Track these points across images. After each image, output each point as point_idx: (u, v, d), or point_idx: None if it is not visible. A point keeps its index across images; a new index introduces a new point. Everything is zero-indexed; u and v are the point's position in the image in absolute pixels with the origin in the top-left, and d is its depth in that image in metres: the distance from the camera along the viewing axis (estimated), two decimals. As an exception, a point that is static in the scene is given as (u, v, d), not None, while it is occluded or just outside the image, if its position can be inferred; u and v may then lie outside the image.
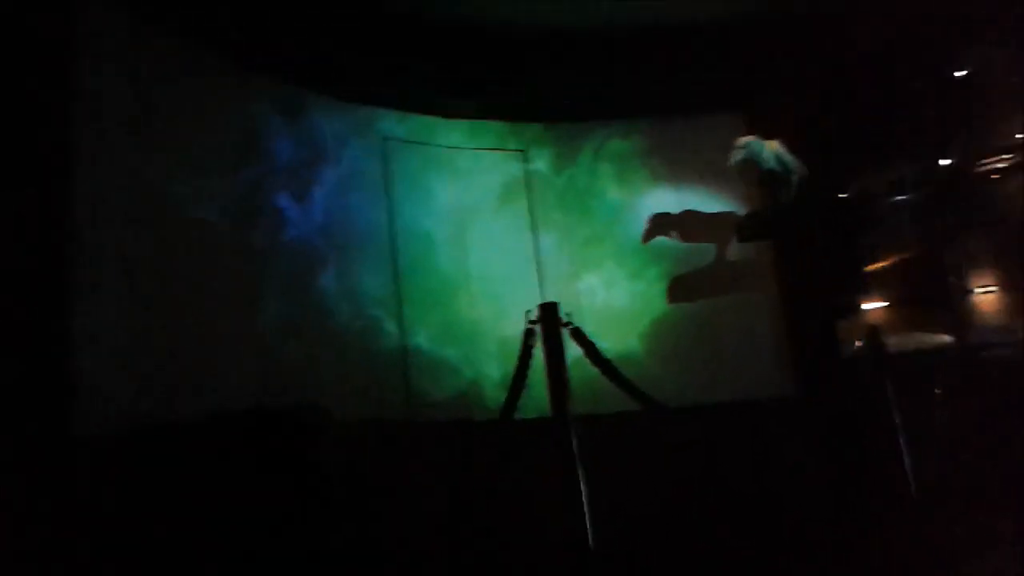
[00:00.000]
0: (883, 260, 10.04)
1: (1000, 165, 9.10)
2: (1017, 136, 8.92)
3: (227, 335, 7.31)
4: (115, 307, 6.35)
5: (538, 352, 4.74)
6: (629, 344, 9.81)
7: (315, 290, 8.38)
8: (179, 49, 7.50)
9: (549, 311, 4.61)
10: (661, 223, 10.24)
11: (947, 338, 9.02)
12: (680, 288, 10.11)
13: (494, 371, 9.10)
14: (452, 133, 9.92)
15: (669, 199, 10.40)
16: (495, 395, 8.87)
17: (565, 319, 4.67)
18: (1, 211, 5.54)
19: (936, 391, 6.56)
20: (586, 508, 4.25)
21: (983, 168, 9.26)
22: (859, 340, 6.21)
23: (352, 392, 8.18)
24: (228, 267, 7.54)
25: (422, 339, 9.11)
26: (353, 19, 8.57)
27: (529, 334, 4.69)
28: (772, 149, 9.50)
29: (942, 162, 9.53)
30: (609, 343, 8.95)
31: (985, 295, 9.18)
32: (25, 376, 5.38)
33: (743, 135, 9.62)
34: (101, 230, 6.32)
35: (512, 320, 4.88)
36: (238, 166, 7.90)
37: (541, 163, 10.28)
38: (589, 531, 4.21)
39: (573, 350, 4.91)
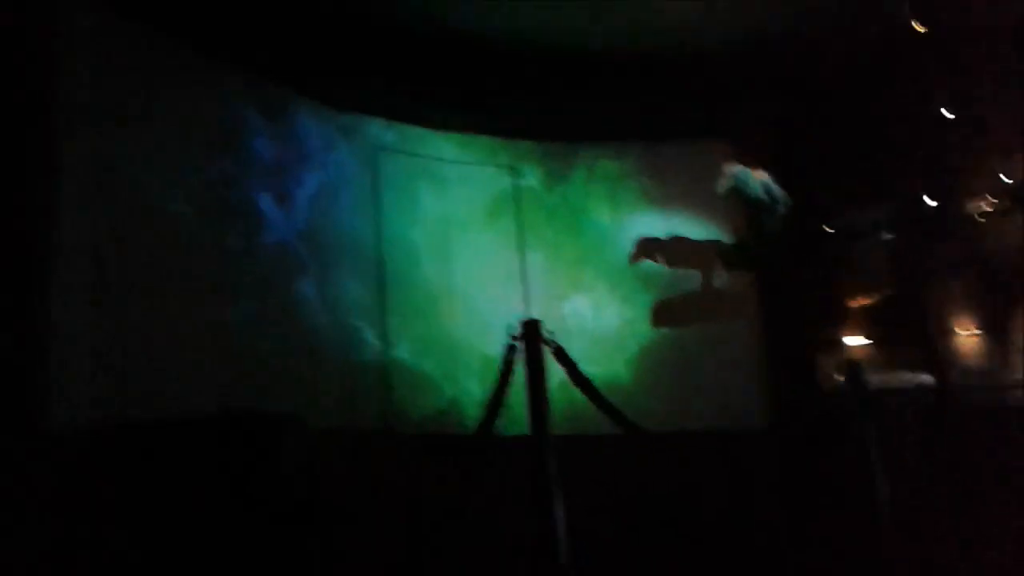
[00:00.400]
0: (866, 296, 10.06)
1: (986, 208, 9.14)
2: (1004, 180, 8.96)
3: (202, 336, 7.24)
4: (89, 305, 6.28)
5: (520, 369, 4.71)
6: (616, 370, 9.81)
7: (294, 295, 8.30)
8: (164, 48, 7.46)
9: (531, 328, 4.56)
10: (649, 247, 10.25)
11: (928, 378, 9.02)
12: (665, 312, 10.12)
13: (476, 388, 8.96)
14: (443, 145, 9.91)
15: (658, 223, 10.45)
16: (476, 413, 8.82)
17: (547, 336, 4.62)
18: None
19: (915, 430, 6.55)
20: (560, 527, 4.20)
21: (969, 210, 9.29)
22: (839, 374, 6.20)
23: (330, 402, 8.11)
24: (205, 267, 7.47)
25: (404, 352, 9.06)
26: (346, 27, 8.55)
27: (510, 350, 4.63)
28: (759, 179, 9.52)
29: (927, 202, 9.57)
30: (596, 368, 8.94)
31: (968, 338, 9.21)
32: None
33: (731, 163, 9.64)
34: (77, 227, 6.26)
35: (497, 337, 4.81)
36: (219, 166, 7.83)
37: (532, 179, 10.28)
38: (562, 550, 4.16)
39: (557, 373, 4.87)
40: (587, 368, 5.03)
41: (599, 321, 10.09)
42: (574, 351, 4.90)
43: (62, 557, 4.23)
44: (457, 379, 9.23)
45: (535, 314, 4.72)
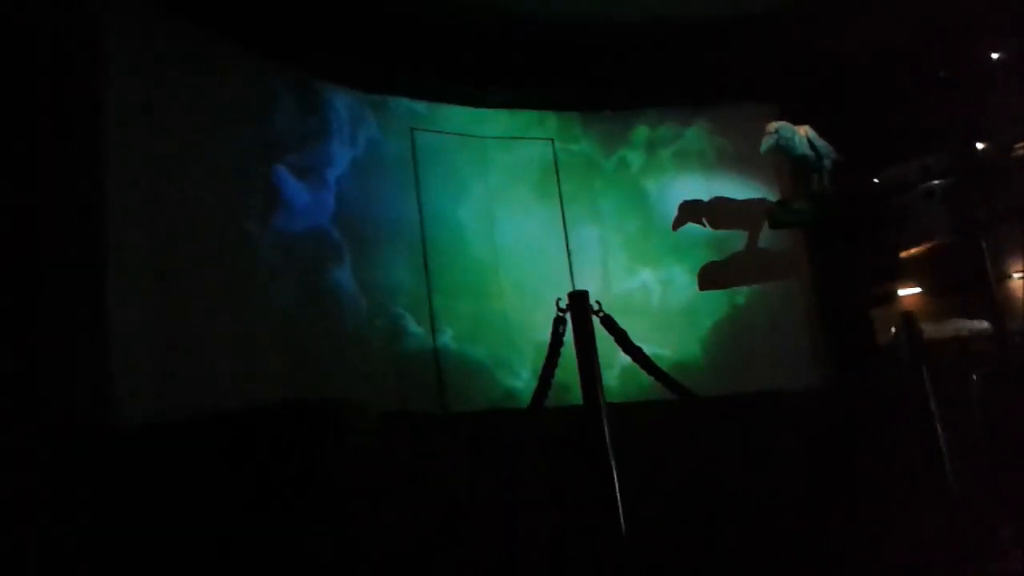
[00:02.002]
0: (917, 246, 9.91)
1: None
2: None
3: (251, 328, 7.35)
4: (145, 301, 6.40)
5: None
6: (689, 349, 9.70)
7: (335, 282, 8.31)
8: (200, 40, 7.57)
9: (579, 299, 4.57)
10: (691, 210, 10.16)
11: (985, 324, 8.87)
12: (710, 275, 10.04)
13: (531, 377, 8.67)
14: (483, 121, 9.86)
15: (717, 186, 10.34)
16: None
17: (595, 307, 4.62)
18: (36, 209, 5.58)
19: (974, 378, 6.45)
20: (619, 497, 4.21)
21: (1017, 153, 9.11)
22: (894, 327, 6.14)
23: (378, 398, 8.04)
24: (249, 258, 7.59)
25: (452, 340, 8.95)
26: (384, 9, 8.54)
27: (559, 322, 4.64)
28: (803, 134, 9.39)
29: (976, 147, 9.39)
30: (667, 351, 8.82)
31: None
32: (60, 370, 5.44)
33: (774, 121, 9.52)
34: (129, 224, 6.37)
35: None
36: (259, 157, 7.93)
37: (583, 148, 10.19)
38: (622, 519, 4.17)
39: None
40: (658, 352, 5.01)
41: (668, 297, 9.98)
42: (642, 331, 4.87)
43: (132, 553, 4.32)
44: (511, 366, 9.12)
45: (596, 293, 4.68)
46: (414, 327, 8.73)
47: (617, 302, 8.84)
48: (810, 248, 10.10)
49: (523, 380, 8.92)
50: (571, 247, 9.73)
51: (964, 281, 9.35)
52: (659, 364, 4.88)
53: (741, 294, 10.05)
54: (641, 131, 10.39)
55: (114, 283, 6.01)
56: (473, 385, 8.86)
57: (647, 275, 10.06)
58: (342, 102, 8.86)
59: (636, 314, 9.22)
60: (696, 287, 10.07)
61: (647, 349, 4.87)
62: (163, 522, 4.42)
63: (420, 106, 9.47)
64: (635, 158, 10.34)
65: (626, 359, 4.83)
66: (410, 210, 9.07)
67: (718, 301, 10.05)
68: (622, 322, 4.73)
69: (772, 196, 10.16)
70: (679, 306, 10.00)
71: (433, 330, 8.77)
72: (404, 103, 9.39)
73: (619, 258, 10.02)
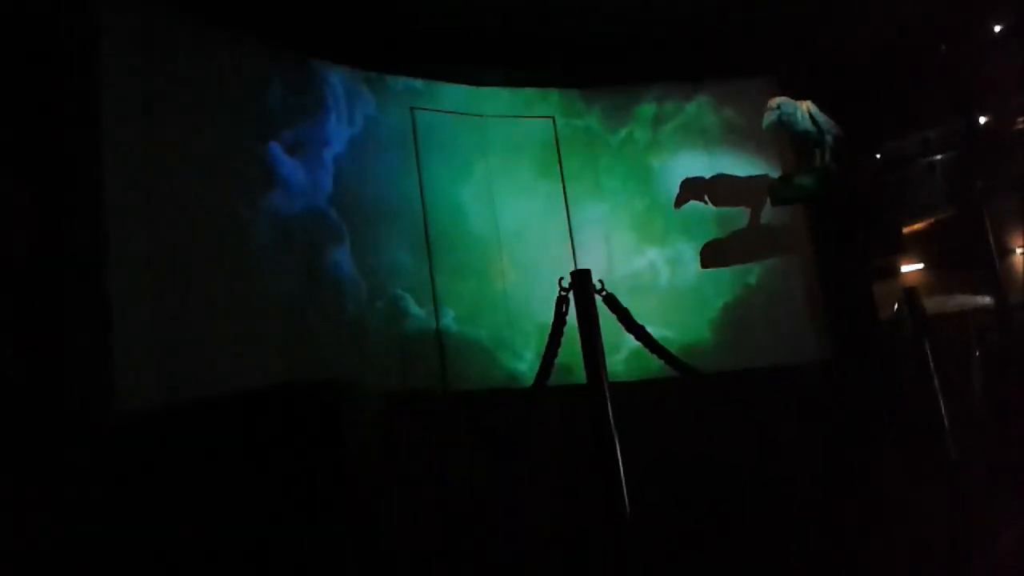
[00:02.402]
0: (919, 221, 9.91)
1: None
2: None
3: (249, 312, 7.34)
4: (146, 297, 6.44)
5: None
6: (698, 332, 9.60)
7: (334, 263, 8.27)
8: (196, 25, 7.52)
9: (581, 277, 4.57)
10: (693, 187, 10.13)
11: (987, 299, 8.88)
12: (713, 252, 10.01)
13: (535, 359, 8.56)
14: (484, 100, 9.77)
15: (721, 162, 10.28)
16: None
17: (598, 286, 4.62)
18: (36, 208, 5.60)
19: (976, 353, 6.47)
20: (623, 477, 4.22)
21: (1018, 126, 9.10)
22: (896, 303, 6.15)
23: (382, 375, 8.09)
24: (246, 242, 7.56)
25: (454, 321, 8.87)
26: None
27: (561, 301, 4.64)
28: (805, 109, 9.35)
29: (976, 120, 9.37)
30: (674, 332, 8.74)
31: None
32: (61, 368, 5.47)
33: (775, 96, 9.48)
34: (130, 221, 6.39)
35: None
36: (253, 141, 7.87)
37: (586, 123, 10.13)
38: (626, 500, 4.18)
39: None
40: (665, 334, 4.98)
41: (677, 277, 9.97)
42: (649, 312, 4.83)
43: (137, 541, 4.34)
44: (514, 348, 9.06)
45: (601, 272, 4.66)
46: (415, 308, 8.67)
47: (624, 282, 8.83)
48: (812, 224, 10.08)
49: (527, 362, 8.85)
50: (575, 225, 9.68)
51: (966, 256, 9.36)
52: (667, 347, 4.86)
53: (752, 273, 10.01)
54: (645, 107, 10.32)
55: (115, 278, 6.01)
56: (475, 367, 8.79)
57: (654, 254, 9.98)
58: (338, 79, 8.78)
59: (643, 294, 9.21)
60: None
61: (654, 331, 4.84)
62: (164, 514, 4.43)
63: (418, 83, 9.38)
64: (641, 134, 10.27)
65: (633, 343, 4.81)
66: (409, 188, 9.01)
67: (729, 281, 9.97)
68: (629, 302, 4.72)
69: (774, 172, 10.12)
70: (687, 286, 9.90)
71: (437, 316, 8.74)
72: (402, 80, 9.31)
73: (625, 237, 9.96)
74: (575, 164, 9.95)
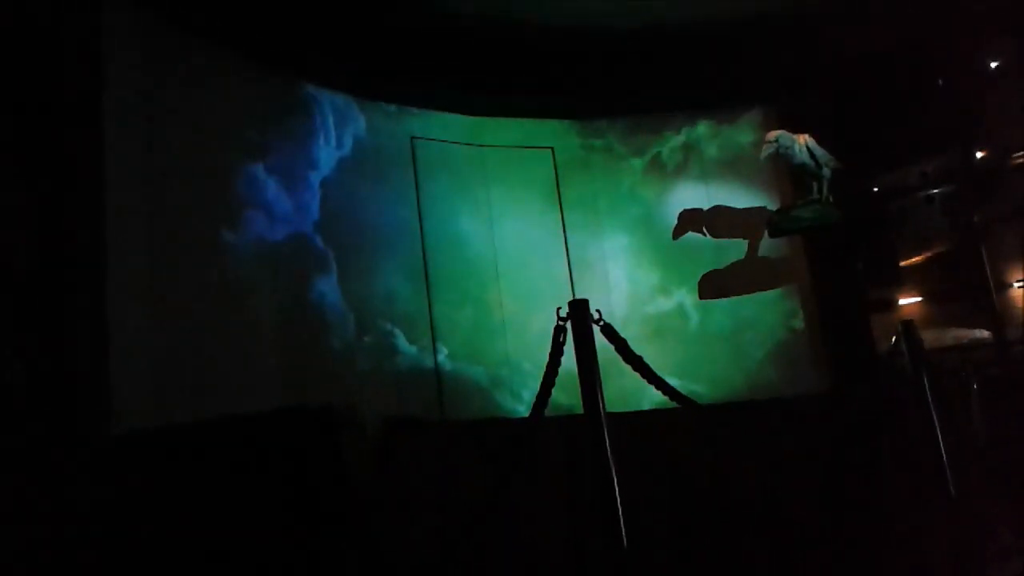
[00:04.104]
0: (917, 254, 9.92)
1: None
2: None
3: (241, 337, 7.33)
4: (141, 311, 6.40)
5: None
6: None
7: (321, 292, 8.21)
8: (195, 47, 7.57)
9: (579, 307, 4.57)
10: (691, 219, 10.16)
11: (985, 333, 8.88)
12: (711, 284, 10.02)
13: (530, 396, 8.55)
14: (481, 131, 9.81)
15: (717, 194, 10.33)
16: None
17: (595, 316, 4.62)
18: (35, 212, 5.59)
19: (974, 386, 6.45)
20: (620, 506, 4.21)
21: (1017, 161, 9.13)
22: (894, 335, 6.15)
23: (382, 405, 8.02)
24: (239, 267, 7.55)
25: (449, 359, 8.78)
26: (381, 19, 8.54)
27: (559, 331, 4.64)
28: (803, 143, 9.40)
29: (975, 154, 9.41)
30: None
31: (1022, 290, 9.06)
32: (59, 377, 5.44)
33: (773, 129, 9.53)
34: (128, 232, 6.39)
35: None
36: (248, 161, 7.87)
37: (589, 154, 10.19)
38: (623, 529, 4.16)
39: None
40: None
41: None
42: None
43: (133, 562, 4.32)
44: (511, 387, 8.98)
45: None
46: (405, 345, 8.58)
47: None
48: (810, 256, 10.09)
49: (525, 403, 8.74)
50: (584, 259, 9.71)
51: (964, 290, 9.36)
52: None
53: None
54: (644, 138, 10.38)
55: (112, 291, 6.00)
56: (471, 408, 8.71)
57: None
58: (330, 105, 8.78)
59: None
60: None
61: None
62: (160, 530, 4.41)
63: (413, 110, 9.42)
64: (639, 164, 10.32)
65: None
66: (402, 214, 8.98)
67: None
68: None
69: (772, 204, 10.15)
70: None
71: (435, 349, 8.65)
72: (411, 114, 9.37)
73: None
74: (575, 193, 10.00)
